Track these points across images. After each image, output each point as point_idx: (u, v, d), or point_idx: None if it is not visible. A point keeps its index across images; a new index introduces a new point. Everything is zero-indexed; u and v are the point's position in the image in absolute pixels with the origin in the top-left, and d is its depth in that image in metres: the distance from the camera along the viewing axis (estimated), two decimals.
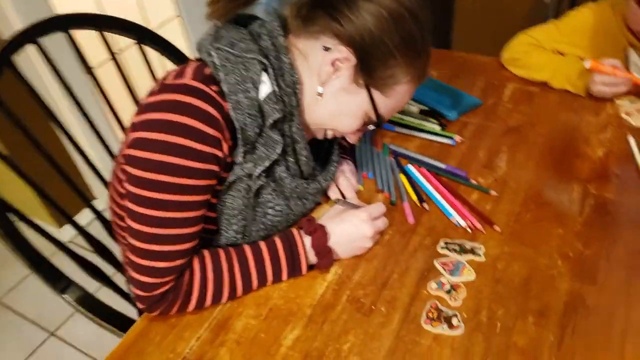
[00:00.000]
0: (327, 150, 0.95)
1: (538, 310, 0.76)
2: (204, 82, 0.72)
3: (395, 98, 0.80)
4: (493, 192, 0.97)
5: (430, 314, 0.78)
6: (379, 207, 0.89)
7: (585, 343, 0.72)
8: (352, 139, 0.89)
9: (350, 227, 0.84)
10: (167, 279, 0.74)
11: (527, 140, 1.11)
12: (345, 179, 0.97)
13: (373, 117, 0.81)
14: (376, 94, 0.78)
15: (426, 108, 1.22)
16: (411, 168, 1.06)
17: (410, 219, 0.94)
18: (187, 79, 0.72)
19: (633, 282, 0.78)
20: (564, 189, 0.96)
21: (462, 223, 0.92)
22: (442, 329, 0.76)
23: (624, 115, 1.15)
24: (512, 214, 0.93)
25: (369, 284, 0.83)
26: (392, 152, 1.11)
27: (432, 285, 0.82)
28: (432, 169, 1.05)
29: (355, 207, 0.89)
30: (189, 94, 0.70)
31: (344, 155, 1.04)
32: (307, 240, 0.83)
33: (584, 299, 0.77)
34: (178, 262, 0.75)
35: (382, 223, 0.89)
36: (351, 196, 0.96)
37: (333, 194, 0.96)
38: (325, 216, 0.89)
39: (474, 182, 1.01)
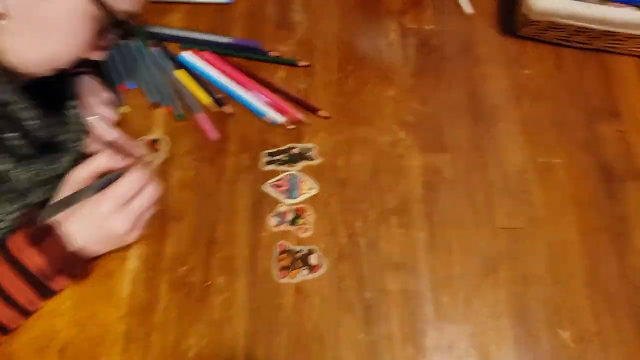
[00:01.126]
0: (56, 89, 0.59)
1: (398, 208, 0.63)
2: None
3: None
4: (302, 62, 0.74)
5: (282, 262, 0.59)
6: (131, 179, 0.55)
7: (454, 217, 0.62)
8: (95, 57, 0.54)
9: (94, 228, 0.54)
10: None
11: None
12: (95, 119, 0.63)
13: (101, 13, 0.48)
14: None
15: None
16: (188, 56, 0.75)
17: (213, 134, 0.68)
18: None
19: (482, 133, 0.68)
20: (379, 32, 0.78)
21: (279, 119, 0.69)
22: (302, 276, 0.59)
23: None
24: (331, 85, 0.72)
25: (189, 252, 0.60)
26: (149, 36, 0.77)
27: (272, 221, 0.62)
28: (215, 49, 0.76)
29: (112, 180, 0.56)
30: None
31: (80, 69, 0.66)
32: (33, 254, 0.51)
33: (440, 171, 0.65)
34: None
35: (145, 199, 0.56)
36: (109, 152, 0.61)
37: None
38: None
39: (274, 54, 0.76)
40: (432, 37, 0.77)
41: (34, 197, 0.56)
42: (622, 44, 0.73)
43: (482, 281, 0.58)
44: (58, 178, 0.57)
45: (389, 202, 0.63)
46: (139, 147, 0.65)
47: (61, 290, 0.55)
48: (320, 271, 0.59)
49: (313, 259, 0.60)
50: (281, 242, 0.61)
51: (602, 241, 0.60)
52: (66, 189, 0.56)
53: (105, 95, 0.67)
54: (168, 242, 0.60)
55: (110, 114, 0.66)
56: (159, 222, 0.61)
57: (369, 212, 0.62)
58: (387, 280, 0.58)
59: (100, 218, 0.53)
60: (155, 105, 0.71)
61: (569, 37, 0.74)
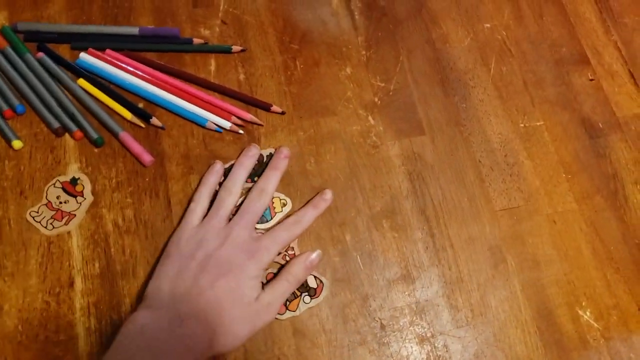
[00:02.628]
0: None
1: (387, 209, 0.55)
2: None
3: None
4: (236, 47, 0.61)
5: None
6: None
7: (449, 207, 0.55)
8: None
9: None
10: None
11: None
12: None
13: None
14: None
15: None
16: (88, 58, 0.58)
17: (145, 158, 0.54)
18: None
19: (458, 105, 0.61)
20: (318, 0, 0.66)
21: (225, 124, 0.57)
22: (305, 305, 0.50)
23: None
24: (276, 71, 0.60)
25: None
26: (29, 37, 0.59)
27: None
28: (120, 44, 0.60)
29: None
30: None
31: None
32: None
33: (422, 157, 0.58)
34: None
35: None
36: None
37: None
38: None
39: (198, 41, 0.61)
40: None
41: None
42: None
43: (493, 274, 0.53)
44: None
45: (375, 204, 0.55)
46: None
47: None
48: (324, 293, 0.50)
49: (311, 282, 0.51)
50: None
51: (599, 205, 0.57)
52: None
53: None
54: (123, 305, 0.48)
55: None
56: (108, 283, 0.48)
57: (357, 221, 0.54)
58: (394, 295, 0.51)
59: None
60: (60, 131, 0.55)
61: None
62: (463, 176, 0.57)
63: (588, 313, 0.52)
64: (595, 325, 0.52)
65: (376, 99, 0.60)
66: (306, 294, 0.50)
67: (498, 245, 0.54)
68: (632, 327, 0.52)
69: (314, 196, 0.53)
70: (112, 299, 0.49)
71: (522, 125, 0.60)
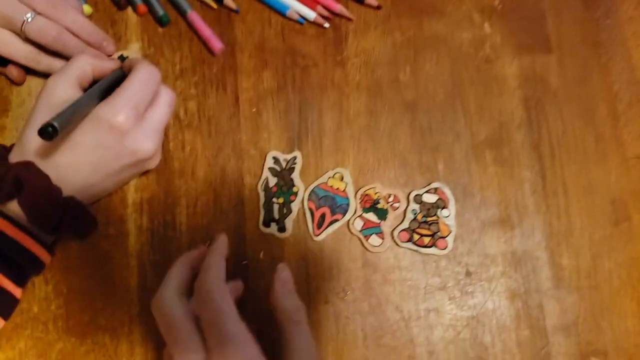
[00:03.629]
0: None
1: (493, 138, 0.45)
2: None
3: None
4: None
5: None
6: (144, 78, 0.38)
7: (569, 146, 0.45)
8: None
9: (106, 152, 0.37)
10: None
11: None
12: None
13: None
14: None
15: None
16: None
17: (215, 44, 0.46)
18: None
19: (599, 20, 0.48)
20: None
21: (310, 14, 0.48)
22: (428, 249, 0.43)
23: None
24: None
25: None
26: None
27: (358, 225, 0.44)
28: None
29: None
30: None
31: None
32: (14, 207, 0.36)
33: (545, 80, 0.47)
34: None
35: (164, 107, 0.39)
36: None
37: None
38: (31, 139, 0.37)
39: None
40: None
41: None
42: None
43: (612, 232, 0.44)
44: None
45: (479, 131, 0.45)
46: (98, 34, 0.44)
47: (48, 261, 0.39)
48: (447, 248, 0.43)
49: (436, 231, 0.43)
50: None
51: None
52: (42, 108, 0.37)
53: None
54: (177, 207, 0.43)
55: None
56: (164, 180, 0.43)
57: (455, 148, 0.45)
58: (486, 240, 0.43)
59: (117, 135, 0.36)
60: (123, 3, 0.47)
61: None
62: (593, 110, 0.46)
63: None
64: None
65: (497, 2, 0.48)
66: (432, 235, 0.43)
67: (623, 199, 0.44)
68: None
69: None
70: (167, 197, 0.43)
71: None
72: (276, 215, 0.43)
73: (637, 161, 0.45)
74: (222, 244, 0.36)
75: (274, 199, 0.43)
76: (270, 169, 0.44)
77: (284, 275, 0.36)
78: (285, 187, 0.43)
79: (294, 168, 0.44)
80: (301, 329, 0.33)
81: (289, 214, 0.43)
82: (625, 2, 0.48)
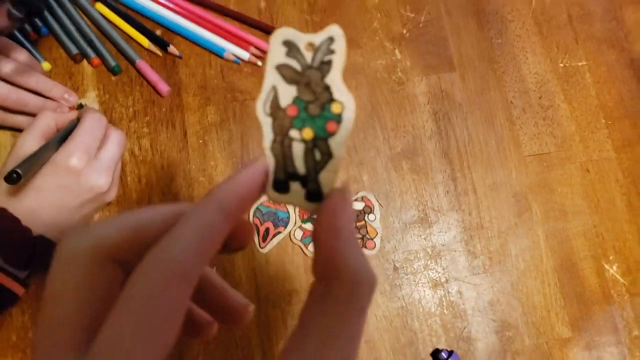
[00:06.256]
0: None
1: (408, 149, 0.52)
2: None
3: None
4: None
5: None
6: (91, 125, 0.45)
7: (474, 150, 0.52)
8: None
9: (64, 192, 0.43)
10: None
11: None
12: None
13: None
14: None
15: None
16: None
17: (162, 87, 0.53)
18: None
19: (493, 40, 0.56)
20: None
21: (244, 55, 0.55)
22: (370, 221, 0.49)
23: None
24: None
25: None
26: None
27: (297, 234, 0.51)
28: None
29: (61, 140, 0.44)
30: None
31: None
32: None
33: (450, 95, 0.54)
34: None
35: (113, 146, 0.46)
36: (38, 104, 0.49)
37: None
38: (2, 186, 0.43)
39: None
40: None
41: None
42: None
43: (516, 222, 0.51)
44: None
45: (396, 144, 0.52)
46: (58, 88, 0.50)
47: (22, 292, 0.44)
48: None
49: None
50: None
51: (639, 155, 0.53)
52: (11, 161, 0.43)
53: (22, 55, 0.49)
54: None
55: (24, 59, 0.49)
56: (124, 211, 0.49)
57: (376, 161, 0.52)
58: (409, 238, 0.50)
59: (73, 175, 0.42)
60: (79, 57, 0.54)
61: None
62: (492, 117, 0.53)
63: (615, 267, 0.49)
64: (622, 280, 0.49)
65: (405, 31, 0.56)
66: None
67: (524, 193, 0.51)
68: None
69: None
70: None
71: (561, 64, 0.55)
72: (300, 166, 0.21)
73: (532, 158, 0.52)
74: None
75: (293, 132, 0.21)
76: (281, 68, 0.21)
77: (349, 205, 0.20)
78: (317, 103, 0.21)
79: (330, 63, 0.21)
80: (361, 312, 0.19)
81: (328, 160, 0.21)
82: (513, 23, 0.56)
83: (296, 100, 0.21)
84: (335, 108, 0.21)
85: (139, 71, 0.54)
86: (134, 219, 0.18)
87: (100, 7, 0.55)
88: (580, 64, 0.55)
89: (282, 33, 0.21)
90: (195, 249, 0.17)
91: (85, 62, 0.54)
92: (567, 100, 0.54)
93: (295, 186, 0.21)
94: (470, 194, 0.51)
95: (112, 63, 0.53)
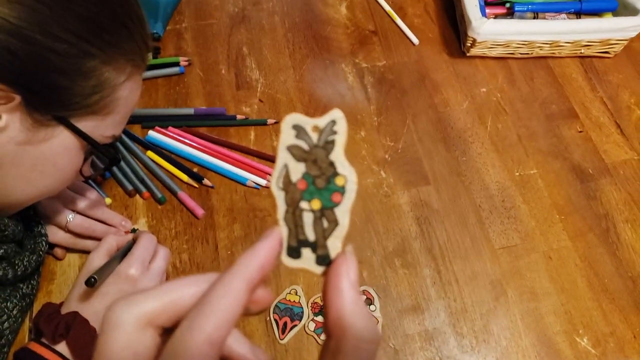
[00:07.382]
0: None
1: (399, 249, 0.64)
2: None
3: (121, 107, 0.48)
4: (271, 120, 0.75)
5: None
6: (145, 243, 0.58)
7: (453, 246, 0.63)
8: (81, 179, 0.54)
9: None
10: None
11: (260, 26, 0.86)
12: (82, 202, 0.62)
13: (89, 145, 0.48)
14: (87, 122, 0.46)
15: None
16: (155, 135, 0.73)
17: (198, 211, 0.67)
18: None
19: (458, 158, 0.70)
20: (337, 76, 0.79)
21: (262, 182, 0.69)
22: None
23: None
24: None
25: None
26: None
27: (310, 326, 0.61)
28: (179, 122, 0.75)
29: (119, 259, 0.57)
30: None
31: None
32: (62, 348, 0.51)
33: (428, 204, 0.67)
34: None
35: (162, 259, 0.58)
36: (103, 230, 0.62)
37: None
38: (75, 294, 0.55)
39: (241, 117, 0.75)
40: (387, 72, 0.79)
41: (27, 288, 0.57)
42: (561, 49, 0.78)
43: (494, 305, 0.60)
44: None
45: (388, 245, 0.64)
46: (117, 217, 0.64)
47: None
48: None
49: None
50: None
51: (592, 242, 0.64)
52: (84, 273, 0.56)
53: (92, 194, 0.64)
54: None
55: (94, 197, 0.64)
56: None
57: (373, 260, 0.63)
58: (406, 324, 0.59)
59: (131, 282, 0.54)
60: (133, 192, 0.69)
61: (513, 50, 0.79)
62: (465, 219, 0.65)
63: (585, 340, 0.57)
64: (593, 351, 0.57)
65: (387, 156, 0.71)
66: None
67: (498, 280, 0.61)
68: (628, 354, 0.57)
69: None
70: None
71: (517, 173, 0.69)
72: (310, 234, 0.24)
73: (502, 251, 0.63)
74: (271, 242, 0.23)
75: (303, 203, 0.24)
76: (291, 148, 0.24)
77: (353, 267, 0.23)
78: (323, 177, 0.24)
79: (333, 142, 0.24)
80: None
81: (335, 227, 0.24)
82: (474, 144, 0.71)
83: (305, 176, 0.24)
84: (339, 181, 0.24)
85: (180, 200, 0.68)
86: (171, 289, 0.21)
87: (150, 154, 0.71)
88: (532, 172, 0.69)
89: (292, 119, 0.24)
90: (224, 320, 0.20)
91: (137, 196, 0.69)
92: (526, 201, 0.66)
93: (307, 252, 0.24)
94: (454, 283, 0.61)
95: (159, 195, 0.68)
